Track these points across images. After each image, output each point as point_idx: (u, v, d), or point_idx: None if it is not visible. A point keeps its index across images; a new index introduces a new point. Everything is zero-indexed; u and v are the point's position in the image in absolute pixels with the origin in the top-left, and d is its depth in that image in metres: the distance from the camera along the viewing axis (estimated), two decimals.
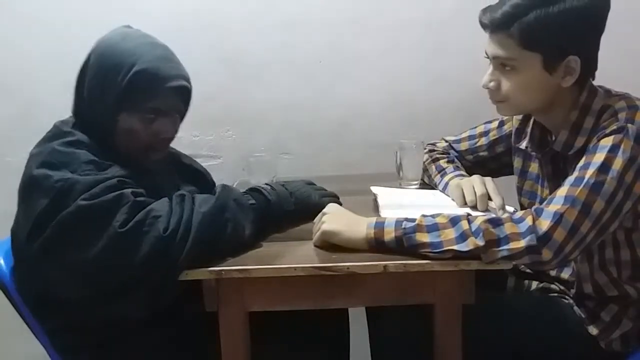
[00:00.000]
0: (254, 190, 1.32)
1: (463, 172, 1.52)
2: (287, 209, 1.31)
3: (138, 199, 1.16)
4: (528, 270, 1.48)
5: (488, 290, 1.28)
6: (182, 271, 1.13)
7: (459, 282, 1.16)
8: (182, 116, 1.39)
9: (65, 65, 1.94)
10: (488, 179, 1.39)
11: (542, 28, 1.18)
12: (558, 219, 1.11)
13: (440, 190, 1.53)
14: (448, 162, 1.59)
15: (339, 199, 1.38)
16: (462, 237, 1.12)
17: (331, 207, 1.27)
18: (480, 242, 1.10)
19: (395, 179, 1.67)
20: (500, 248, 1.11)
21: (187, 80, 1.33)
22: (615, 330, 1.29)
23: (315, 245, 1.24)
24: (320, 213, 1.26)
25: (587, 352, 1.30)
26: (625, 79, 1.36)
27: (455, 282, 1.16)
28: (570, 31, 1.19)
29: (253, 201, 1.27)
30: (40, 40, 1.96)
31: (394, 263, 1.13)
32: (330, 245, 1.22)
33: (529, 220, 1.12)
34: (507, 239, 1.11)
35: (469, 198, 1.35)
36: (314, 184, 1.45)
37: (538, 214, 1.13)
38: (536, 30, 1.18)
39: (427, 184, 1.65)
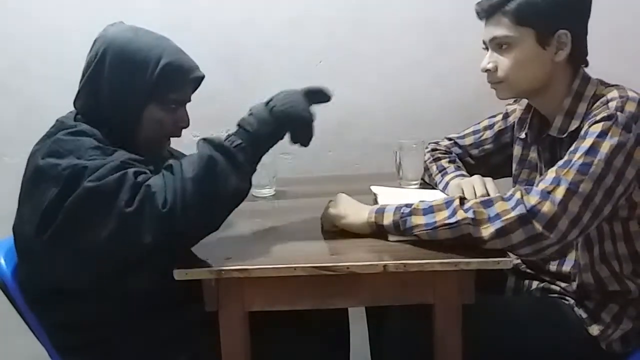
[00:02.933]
0: (234, 132, 1.26)
1: (464, 172, 1.53)
2: (269, 131, 1.25)
3: (138, 178, 1.15)
4: (528, 270, 1.48)
5: (488, 291, 1.29)
6: (196, 239, 1.18)
7: (459, 282, 1.16)
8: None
9: (65, 65, 1.96)
10: (488, 180, 1.40)
11: (533, 4, 1.28)
12: (545, 195, 1.15)
13: (440, 190, 1.53)
14: (449, 162, 1.59)
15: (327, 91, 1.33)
16: (454, 212, 1.17)
17: (339, 196, 1.35)
18: (470, 215, 1.15)
19: (395, 179, 1.67)
20: (493, 223, 1.14)
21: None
22: (616, 331, 1.29)
23: (325, 230, 1.31)
24: (330, 200, 1.34)
25: (587, 352, 1.30)
26: (626, 79, 1.36)
27: (455, 282, 1.16)
28: (559, 5, 1.28)
29: (238, 141, 1.22)
30: (40, 41, 1.96)
31: (394, 263, 1.13)
32: (339, 230, 1.28)
33: (517, 195, 1.16)
34: (498, 216, 1.14)
35: (469, 198, 1.35)
36: (308, 89, 1.33)
37: (527, 191, 1.17)
38: (528, 6, 1.28)
39: (427, 184, 1.65)
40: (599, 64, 1.36)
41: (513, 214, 1.13)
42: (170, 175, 1.16)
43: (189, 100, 1.41)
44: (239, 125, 1.27)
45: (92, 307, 1.24)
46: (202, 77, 1.40)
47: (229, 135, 1.24)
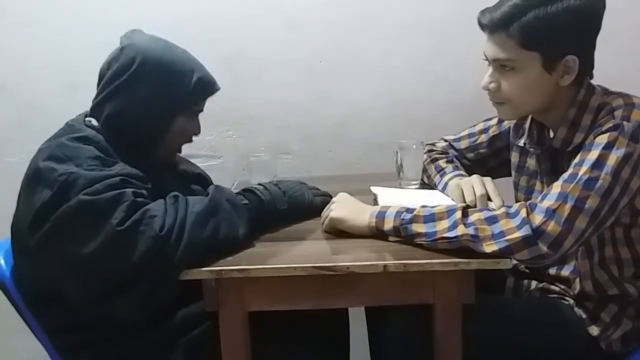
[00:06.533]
0: (247, 191, 1.34)
1: (462, 172, 1.52)
2: (280, 208, 1.35)
3: (138, 199, 1.17)
4: (527, 271, 1.48)
5: (488, 291, 1.29)
6: (179, 272, 1.13)
7: (459, 282, 1.16)
8: None
9: (65, 65, 1.96)
10: (487, 179, 1.39)
11: (541, 28, 1.18)
12: (550, 214, 1.12)
13: (439, 190, 1.53)
14: (447, 162, 1.59)
15: (331, 198, 1.39)
16: (454, 225, 1.15)
17: (340, 196, 1.35)
18: (471, 232, 1.13)
19: (395, 179, 1.67)
20: (497, 241, 1.12)
21: None
22: (616, 331, 1.29)
23: (325, 231, 1.31)
24: (331, 201, 1.35)
25: (587, 353, 1.30)
26: (626, 79, 1.36)
27: (455, 282, 1.16)
28: (568, 31, 1.19)
29: (246, 201, 1.29)
30: (40, 41, 1.96)
31: (394, 263, 1.13)
32: (339, 231, 1.29)
33: (523, 213, 1.14)
34: (502, 234, 1.12)
35: (469, 198, 1.35)
36: (306, 184, 1.46)
37: (532, 208, 1.15)
38: (535, 30, 1.19)
39: (427, 184, 1.65)
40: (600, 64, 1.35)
41: (519, 234, 1.11)
42: (175, 204, 1.19)
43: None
44: (250, 191, 1.34)
45: (87, 308, 1.23)
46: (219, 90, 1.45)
47: (238, 193, 1.32)
